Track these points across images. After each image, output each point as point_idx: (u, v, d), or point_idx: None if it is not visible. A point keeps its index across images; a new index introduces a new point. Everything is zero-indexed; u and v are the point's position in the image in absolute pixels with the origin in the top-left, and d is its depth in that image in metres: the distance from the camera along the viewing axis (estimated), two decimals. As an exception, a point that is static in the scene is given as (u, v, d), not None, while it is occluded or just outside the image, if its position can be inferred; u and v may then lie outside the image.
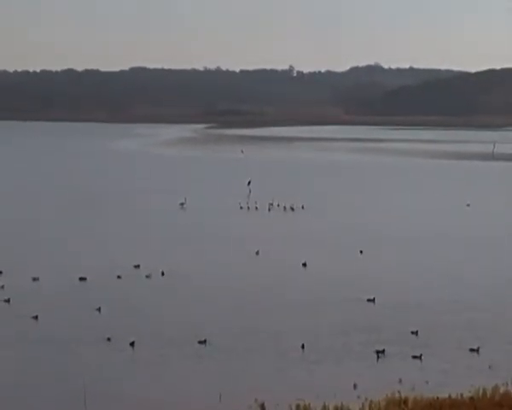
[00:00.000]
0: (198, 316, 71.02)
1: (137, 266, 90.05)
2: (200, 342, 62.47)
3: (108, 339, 63.20)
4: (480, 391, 52.17)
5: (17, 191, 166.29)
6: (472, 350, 61.67)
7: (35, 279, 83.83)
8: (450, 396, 50.97)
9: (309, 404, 49.89)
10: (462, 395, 51.45)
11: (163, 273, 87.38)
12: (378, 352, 60.41)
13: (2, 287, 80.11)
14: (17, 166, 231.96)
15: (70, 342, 62.89)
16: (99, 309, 71.67)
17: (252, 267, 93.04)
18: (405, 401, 50.25)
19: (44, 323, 68.32)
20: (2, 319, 70.12)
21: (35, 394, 52.66)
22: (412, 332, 65.64)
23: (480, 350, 61.71)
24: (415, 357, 59.65)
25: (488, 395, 51.74)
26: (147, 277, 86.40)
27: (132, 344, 61.59)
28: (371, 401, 50.00)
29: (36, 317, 69.23)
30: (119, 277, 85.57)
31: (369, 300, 76.34)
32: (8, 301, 74.87)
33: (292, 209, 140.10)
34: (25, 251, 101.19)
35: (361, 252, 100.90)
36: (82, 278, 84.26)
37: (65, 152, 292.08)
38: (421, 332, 65.85)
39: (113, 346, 62.33)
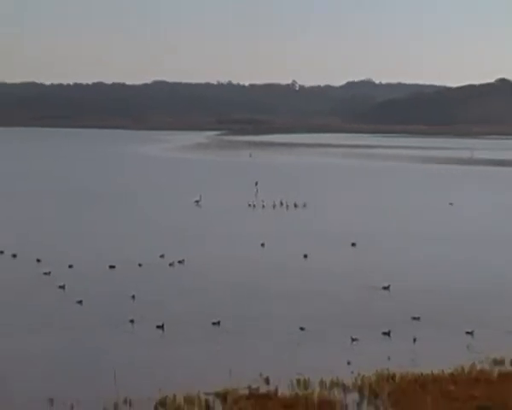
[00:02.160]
0: (212, 300, 71.13)
1: (162, 256, 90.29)
2: (213, 324, 62.58)
3: (131, 321, 63.27)
4: (459, 368, 52.26)
5: (55, 189, 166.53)
6: (468, 333, 61.03)
7: (70, 266, 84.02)
8: (432, 372, 51.05)
9: (308, 378, 49.98)
10: (443, 371, 51.53)
11: (183, 262, 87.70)
12: (385, 333, 60.15)
13: (49, 273, 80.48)
14: (56, 165, 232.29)
15: (109, 324, 63.05)
16: (133, 296, 71.10)
17: (258, 258, 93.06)
18: (393, 377, 50.34)
19: (88, 306, 68.22)
20: (53, 302, 70.27)
21: (75, 370, 52.80)
22: (414, 318, 65.22)
23: (464, 333, 61.71)
24: (402, 337, 59.65)
25: (466, 372, 51.84)
26: (170, 265, 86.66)
27: (161, 327, 61.55)
28: (363, 376, 50.08)
29: (80, 301, 69.15)
30: (147, 265, 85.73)
31: (366, 286, 76.41)
32: (60, 286, 74.84)
33: (295, 206, 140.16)
34: (60, 242, 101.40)
35: (353, 245, 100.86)
36: (111, 266, 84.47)
37: (95, 155, 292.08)
38: (416, 316, 65.84)
39: (139, 327, 62.49)
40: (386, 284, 76.39)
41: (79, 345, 57.65)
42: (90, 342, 58.30)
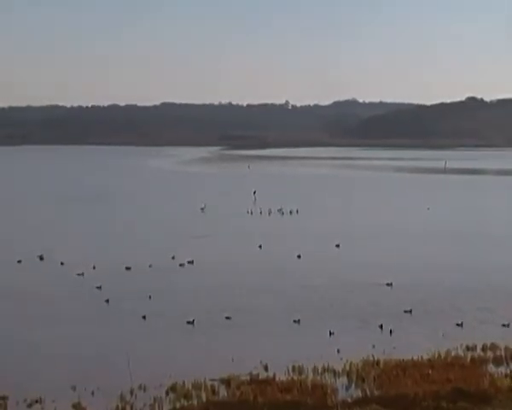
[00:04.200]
0: (216, 296, 71.16)
1: (173, 258, 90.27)
2: (226, 318, 62.57)
3: (143, 317, 63.32)
4: (436, 354, 52.29)
5: (72, 194, 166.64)
6: (458, 325, 60.72)
7: (94, 268, 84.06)
8: (412, 358, 51.08)
9: (302, 365, 50.01)
10: (422, 357, 51.56)
11: (192, 262, 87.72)
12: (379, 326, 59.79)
13: (83, 274, 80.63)
14: (76, 175, 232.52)
15: (128, 318, 63.18)
16: (149, 294, 70.80)
17: (256, 258, 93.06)
18: (378, 363, 50.38)
19: (113, 304, 68.21)
20: (81, 298, 70.33)
21: (95, 359, 52.83)
22: (406, 311, 65.48)
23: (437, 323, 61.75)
24: (382, 327, 59.56)
25: (442, 357, 51.88)
26: (180, 265, 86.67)
27: (173, 321, 61.66)
28: (351, 363, 50.10)
29: (109, 301, 69.05)
30: (160, 266, 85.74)
31: (352, 282, 76.47)
32: (97, 287, 74.64)
33: (290, 213, 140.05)
34: (79, 244, 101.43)
35: (337, 246, 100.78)
36: (128, 268, 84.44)
37: (108, 169, 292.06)
38: (408, 309, 65.91)
39: (154, 321, 62.55)
40: (380, 281, 76.31)
41: (99, 336, 57.68)
42: (108, 334, 58.34)
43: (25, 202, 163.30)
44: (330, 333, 58.20)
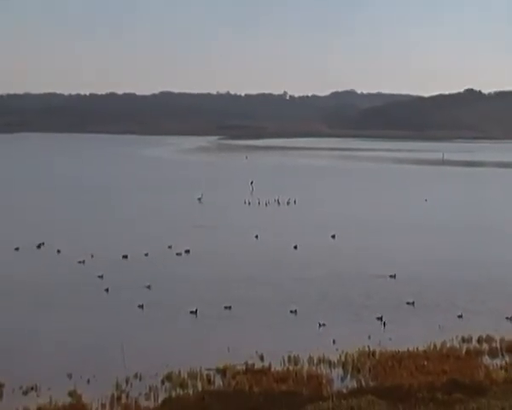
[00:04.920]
0: (212, 286, 71.16)
1: (170, 247, 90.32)
2: (199, 312, 62.56)
3: (140, 306, 63.28)
4: (431, 346, 52.35)
5: (72, 185, 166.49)
6: (459, 316, 60.86)
7: (92, 256, 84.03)
8: (408, 350, 51.13)
9: (298, 355, 50.03)
10: (417, 348, 51.61)
11: (189, 252, 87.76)
12: (378, 318, 59.53)
13: (84, 262, 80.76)
14: (76, 165, 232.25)
15: (125, 308, 63.23)
16: (147, 284, 70.50)
17: (252, 249, 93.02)
18: (373, 354, 50.42)
19: (113, 293, 68.08)
20: (80, 286, 70.35)
21: (91, 348, 52.83)
22: (408, 302, 65.57)
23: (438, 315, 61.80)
24: (378, 319, 59.55)
25: (438, 349, 51.94)
26: (177, 254, 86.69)
27: (169, 309, 61.68)
28: (347, 353, 50.13)
29: (107, 290, 68.89)
30: (156, 254, 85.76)
31: (349, 274, 76.52)
32: (99, 276, 74.39)
33: (287, 204, 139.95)
34: (76, 232, 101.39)
35: (333, 237, 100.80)
36: (124, 256, 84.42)
37: (105, 158, 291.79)
38: (411, 301, 65.96)
39: (151, 310, 62.57)
40: (380, 273, 76.30)
41: (97, 325, 57.68)
42: (105, 323, 58.35)
43: (20, 189, 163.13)
44: (325, 324, 58.18)
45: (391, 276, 75.27)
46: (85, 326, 57.46)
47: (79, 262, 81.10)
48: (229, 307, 62.73)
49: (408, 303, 64.73)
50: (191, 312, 61.04)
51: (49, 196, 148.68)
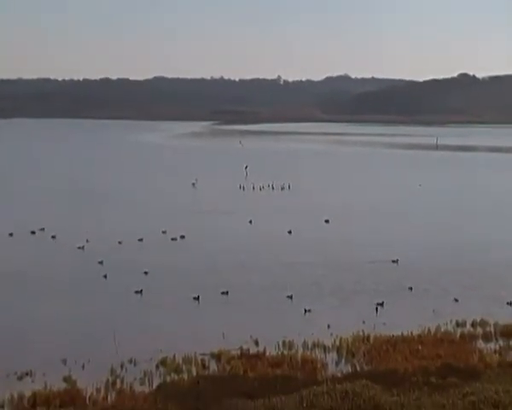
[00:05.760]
0: (207, 272, 71.17)
1: (164, 232, 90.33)
2: (222, 293, 62.42)
3: (137, 292, 63.29)
4: (426, 330, 52.44)
5: (68, 172, 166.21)
6: (456, 300, 61.04)
7: (87, 241, 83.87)
8: (402, 334, 51.22)
9: (292, 340, 50.09)
10: (411, 333, 51.71)
11: (183, 237, 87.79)
12: (379, 303, 59.34)
13: (83, 247, 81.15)
14: (70, 152, 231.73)
15: (122, 293, 63.32)
16: (142, 270, 70.43)
17: (246, 234, 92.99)
18: (368, 338, 50.50)
19: (111, 279, 68.21)
20: (80, 273, 70.27)
21: (86, 333, 52.81)
22: (409, 287, 65.58)
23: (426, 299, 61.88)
24: (380, 304, 59.58)
25: (432, 333, 52.03)
26: (172, 240, 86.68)
27: (163, 295, 61.71)
28: (341, 338, 50.20)
29: (105, 276, 68.69)
30: (150, 240, 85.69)
31: (344, 259, 76.52)
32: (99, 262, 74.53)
33: (282, 189, 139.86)
34: (70, 218, 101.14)
35: (327, 221, 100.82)
36: (120, 242, 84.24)
37: (97, 143, 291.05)
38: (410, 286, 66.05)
39: (148, 296, 62.59)
40: (372, 257, 76.40)
41: (93, 311, 57.68)
42: (102, 309, 58.36)
43: (13, 175, 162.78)
44: (320, 309, 58.24)
45: (393, 261, 75.20)
46: (82, 312, 57.44)
47: (79, 248, 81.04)
48: (226, 293, 62.69)
49: (405, 288, 64.72)
50: (194, 298, 60.86)
51: (36, 183, 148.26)
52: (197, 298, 60.94)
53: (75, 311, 57.67)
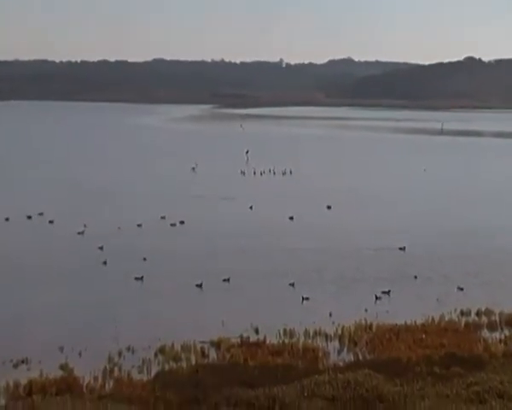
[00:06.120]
0: (207, 258, 71.12)
1: (163, 217, 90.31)
2: (197, 285, 62.54)
3: (137, 279, 63.27)
4: (430, 319, 52.41)
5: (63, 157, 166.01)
6: (460, 289, 60.96)
7: (85, 226, 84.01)
8: (405, 323, 51.18)
9: (293, 328, 50.07)
10: (415, 321, 51.67)
11: (183, 222, 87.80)
12: (384, 292, 59.18)
13: (83, 233, 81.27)
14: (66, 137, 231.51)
15: (121, 280, 63.39)
16: (142, 256, 70.27)
17: (247, 219, 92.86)
18: (370, 327, 50.48)
19: (111, 265, 68.33)
20: (80, 258, 70.27)
21: (84, 320, 52.82)
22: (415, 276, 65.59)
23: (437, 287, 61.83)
24: (384, 292, 59.49)
25: (436, 322, 52.00)
26: (171, 225, 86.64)
27: (163, 282, 61.74)
28: (343, 326, 50.18)
29: (105, 262, 68.85)
30: (149, 225, 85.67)
31: (347, 246, 76.48)
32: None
33: (283, 174, 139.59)
34: (67, 203, 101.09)
35: (329, 207, 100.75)
36: (119, 228, 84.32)
37: (95, 127, 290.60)
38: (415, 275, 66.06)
39: (147, 283, 62.59)
40: (375, 244, 76.37)
41: (92, 298, 57.67)
42: (101, 296, 58.32)
43: (11, 161, 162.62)
44: (322, 297, 58.21)
45: (400, 248, 75.11)
46: (80, 299, 57.43)
47: (78, 233, 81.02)
48: (228, 280, 62.58)
49: (410, 276, 64.63)
50: (197, 285, 60.77)
51: (33, 170, 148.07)
52: (200, 285, 60.75)
53: (74, 297, 57.68)
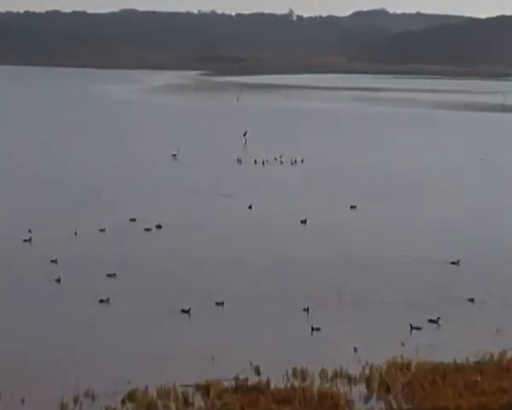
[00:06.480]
0: (191, 274, 71.33)
1: (133, 220, 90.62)
2: (217, 304, 62.61)
3: (105, 300, 63.44)
4: (487, 356, 52.53)
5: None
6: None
7: (30, 232, 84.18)
8: (455, 361, 51.30)
9: (306, 368, 50.19)
10: (467, 359, 51.79)
11: (160, 226, 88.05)
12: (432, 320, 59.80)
13: (30, 240, 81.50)
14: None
15: (80, 302, 63.56)
16: (111, 274, 70.29)
17: (245, 223, 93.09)
18: (408, 366, 50.57)
19: (66, 283, 68.37)
20: (27, 274, 70.64)
21: (32, 355, 52.99)
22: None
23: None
24: (428, 321, 59.69)
25: (495, 360, 52.11)
26: (146, 230, 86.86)
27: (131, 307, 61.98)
28: (372, 365, 50.29)
29: (59, 279, 68.88)
30: (114, 230, 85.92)
31: (378, 259, 76.75)
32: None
33: (292, 163, 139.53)
34: (9, 198, 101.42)
35: (353, 207, 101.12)
36: (75, 233, 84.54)
37: (48, 98, 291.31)
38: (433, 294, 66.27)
39: (111, 307, 62.80)
40: (419, 256, 76.94)
41: (40, 327, 57.86)
42: (53, 324, 58.53)
43: None
44: (344, 327, 58.45)
45: (452, 262, 75.33)
46: (26, 329, 57.52)
47: (25, 241, 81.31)
48: (222, 303, 62.58)
49: (464, 299, 64.78)
50: (182, 310, 60.83)
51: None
52: (188, 311, 60.75)
53: (16, 327, 57.78)
